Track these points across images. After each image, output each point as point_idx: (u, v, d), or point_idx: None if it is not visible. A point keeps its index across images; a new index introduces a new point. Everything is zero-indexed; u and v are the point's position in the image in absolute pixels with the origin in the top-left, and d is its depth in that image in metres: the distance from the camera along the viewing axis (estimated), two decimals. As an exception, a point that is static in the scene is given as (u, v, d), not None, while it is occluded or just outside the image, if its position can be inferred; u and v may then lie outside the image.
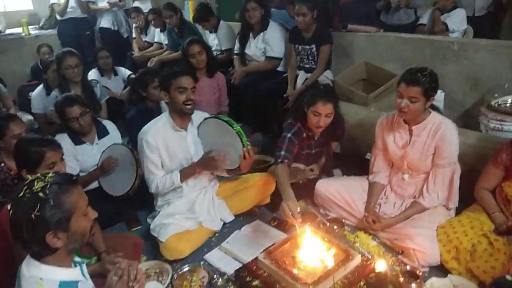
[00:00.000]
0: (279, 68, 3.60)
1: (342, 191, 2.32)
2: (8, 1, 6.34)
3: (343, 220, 2.30)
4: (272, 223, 2.37)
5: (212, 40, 4.24)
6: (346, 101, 3.15)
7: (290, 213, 1.92)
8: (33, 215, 1.10)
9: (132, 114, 2.88)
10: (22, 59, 5.05)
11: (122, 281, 1.30)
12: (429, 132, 2.06)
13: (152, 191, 2.26)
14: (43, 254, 1.17)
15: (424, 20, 3.80)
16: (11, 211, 1.14)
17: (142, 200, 2.51)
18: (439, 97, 2.82)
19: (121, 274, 1.31)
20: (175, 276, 1.99)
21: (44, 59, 4.20)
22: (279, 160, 2.30)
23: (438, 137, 2.03)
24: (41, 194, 1.13)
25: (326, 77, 3.31)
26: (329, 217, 2.32)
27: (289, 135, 2.35)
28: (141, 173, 2.34)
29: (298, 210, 2.01)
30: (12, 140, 2.09)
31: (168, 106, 2.26)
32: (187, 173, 2.22)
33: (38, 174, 1.21)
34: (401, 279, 1.77)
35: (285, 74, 3.46)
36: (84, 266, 1.36)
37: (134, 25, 5.03)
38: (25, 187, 1.14)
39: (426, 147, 2.07)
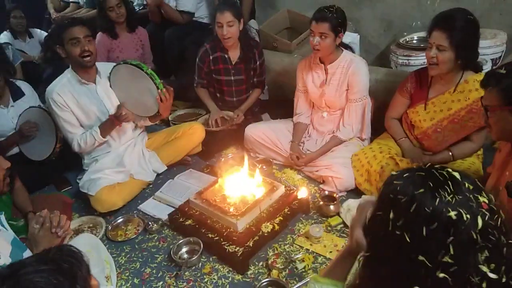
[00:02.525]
0: (205, 20, 3.55)
1: (269, 133, 2.44)
2: None
3: (271, 160, 2.43)
4: (205, 170, 2.45)
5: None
6: (271, 49, 3.23)
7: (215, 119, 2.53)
8: None
9: (49, 73, 2.74)
10: None
11: (45, 228, 1.31)
12: (342, 69, 2.20)
13: (76, 150, 2.21)
14: None
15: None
16: None
17: (70, 160, 2.45)
18: (355, 39, 2.98)
19: (42, 221, 1.32)
20: (110, 227, 2.02)
21: None
22: (195, 85, 2.72)
23: (350, 74, 2.19)
24: None
25: (251, 26, 3.32)
26: (258, 159, 2.44)
27: (197, 60, 2.65)
28: (61, 135, 2.26)
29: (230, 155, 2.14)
30: None
31: (70, 61, 2.16)
32: (106, 127, 2.16)
33: None
34: (321, 203, 1.95)
35: (211, 26, 3.42)
36: (2, 216, 1.34)
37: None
38: None
39: (340, 83, 2.22)
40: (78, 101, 2.14)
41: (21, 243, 1.35)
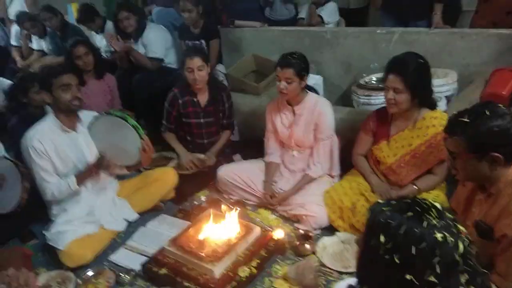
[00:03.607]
0: (174, 65, 3.62)
1: (241, 174, 2.46)
2: None
3: (245, 201, 2.44)
4: (178, 215, 2.41)
5: (100, 40, 4.08)
6: (239, 92, 3.32)
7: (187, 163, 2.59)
8: None
9: (13, 123, 2.65)
10: None
11: (12, 286, 1.25)
12: (308, 110, 2.31)
13: (48, 198, 2.14)
14: None
15: (303, 14, 4.14)
16: None
17: (35, 211, 2.35)
18: (318, 81, 3.14)
19: (9, 281, 1.26)
20: (79, 282, 1.93)
21: None
22: (162, 130, 2.77)
23: (316, 114, 2.29)
24: None
25: (219, 70, 3.43)
26: (231, 200, 2.45)
27: (166, 105, 2.71)
28: (27, 186, 2.18)
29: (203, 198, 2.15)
30: None
31: (52, 108, 2.15)
32: (83, 176, 2.14)
33: None
34: (297, 242, 1.96)
35: (179, 71, 3.49)
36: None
37: (14, 32, 4.57)
38: None
39: (307, 124, 2.31)
40: (58, 149, 2.11)
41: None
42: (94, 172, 2.17)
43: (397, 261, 0.82)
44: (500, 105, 1.34)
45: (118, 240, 2.24)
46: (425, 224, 0.82)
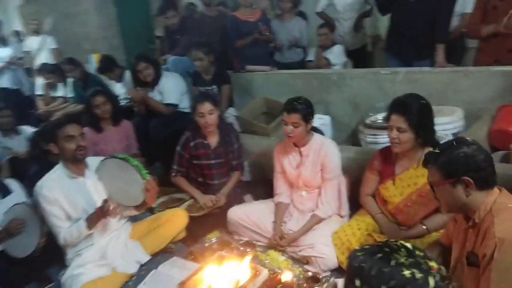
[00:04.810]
0: (187, 110, 3.77)
1: (251, 215, 2.50)
2: None
3: (255, 242, 2.45)
4: (189, 258, 2.44)
5: (119, 89, 4.32)
6: (250, 133, 3.43)
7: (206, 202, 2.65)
8: None
9: (35, 170, 2.81)
10: None
11: None
12: (315, 151, 2.36)
13: (61, 243, 2.22)
14: None
15: (311, 57, 4.30)
16: None
17: (52, 256, 2.42)
18: (326, 121, 3.21)
19: None
20: (92, 326, 1.96)
21: None
22: (173, 174, 2.82)
23: (322, 155, 2.34)
24: None
25: (230, 113, 3.56)
26: (241, 242, 2.47)
27: (178, 148, 2.79)
28: (46, 230, 2.28)
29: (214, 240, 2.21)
30: None
31: (59, 157, 2.27)
32: (93, 220, 2.20)
33: None
34: (305, 285, 1.96)
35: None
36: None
37: (39, 82, 4.90)
38: None
39: (314, 164, 2.36)
40: (67, 196, 2.20)
41: None
42: (101, 216, 2.21)
43: None
44: (468, 139, 1.47)
45: (130, 283, 2.28)
46: (393, 263, 0.87)
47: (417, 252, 0.90)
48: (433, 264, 0.88)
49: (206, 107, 2.60)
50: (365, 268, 0.89)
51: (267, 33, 3.89)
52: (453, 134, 2.60)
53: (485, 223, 1.39)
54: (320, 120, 3.21)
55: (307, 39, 4.47)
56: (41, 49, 5.70)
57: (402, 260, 0.87)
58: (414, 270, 0.85)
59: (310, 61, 4.29)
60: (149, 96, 3.50)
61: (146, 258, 2.38)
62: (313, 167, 2.36)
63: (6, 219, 2.37)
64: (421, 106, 2.01)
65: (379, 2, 3.19)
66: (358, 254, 0.94)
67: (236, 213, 2.54)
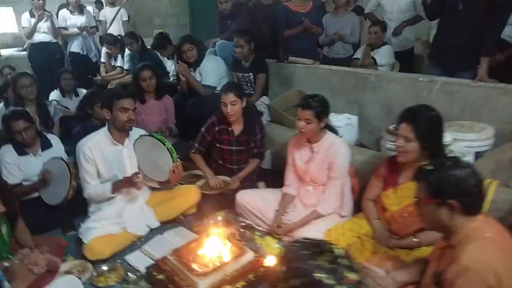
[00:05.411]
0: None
1: (256, 201, 2.62)
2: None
3: (255, 226, 2.58)
4: (194, 229, 2.62)
5: (170, 65, 4.60)
6: (278, 124, 3.52)
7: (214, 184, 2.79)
8: None
9: (77, 130, 3.15)
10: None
11: (23, 264, 1.55)
12: (325, 149, 2.40)
13: (86, 196, 2.51)
14: None
15: (358, 55, 4.23)
16: None
17: (79, 207, 2.74)
18: (352, 121, 3.19)
19: (22, 258, 1.56)
20: (95, 273, 2.23)
21: (6, 79, 4.46)
22: (193, 151, 2.96)
23: (331, 154, 2.37)
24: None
25: (262, 102, 3.66)
26: (243, 224, 2.60)
27: (202, 129, 2.94)
28: (74, 185, 2.59)
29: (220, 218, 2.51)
30: None
31: (108, 123, 2.53)
32: (118, 186, 2.45)
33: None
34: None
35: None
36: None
37: (104, 50, 5.36)
38: None
39: (322, 162, 2.40)
40: (104, 158, 2.48)
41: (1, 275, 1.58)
42: (126, 186, 2.46)
43: None
44: (464, 161, 1.46)
45: (138, 243, 2.52)
46: (312, 263, 0.94)
47: (342, 260, 0.96)
48: (351, 275, 0.93)
49: (229, 97, 2.73)
50: (291, 258, 0.97)
51: (312, 27, 3.88)
52: (478, 153, 2.48)
53: (459, 248, 1.38)
54: (347, 119, 3.20)
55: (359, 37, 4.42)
56: (115, 19, 6.17)
57: (321, 263, 0.94)
58: (326, 275, 0.91)
59: (357, 59, 4.23)
60: (190, 73, 3.70)
61: (156, 224, 2.62)
62: (321, 164, 2.41)
63: (42, 169, 2.72)
64: (431, 117, 1.97)
65: (428, 6, 3.06)
66: (295, 244, 1.02)
67: (244, 196, 2.67)
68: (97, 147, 2.47)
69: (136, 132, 2.62)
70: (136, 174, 2.43)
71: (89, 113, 3.24)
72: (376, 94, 3.37)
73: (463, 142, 2.51)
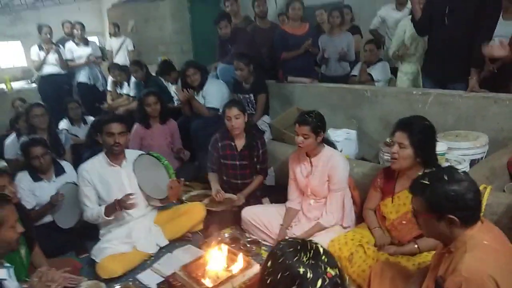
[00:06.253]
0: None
1: (261, 216, 2.71)
2: (3, 58, 7.05)
3: (261, 241, 2.65)
4: (202, 247, 2.70)
5: (174, 91, 4.76)
6: (280, 141, 3.63)
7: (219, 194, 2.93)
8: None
9: (86, 156, 3.27)
10: (4, 112, 5.49)
11: (41, 281, 1.65)
12: (323, 162, 2.50)
13: (85, 219, 2.62)
14: None
15: (356, 71, 4.38)
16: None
17: (91, 231, 2.84)
18: (351, 136, 3.30)
19: (40, 276, 1.66)
20: (108, 292, 2.31)
21: (18, 111, 4.64)
22: (208, 170, 3.13)
23: (329, 167, 2.47)
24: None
25: (264, 121, 3.79)
26: (249, 239, 2.68)
27: (209, 148, 3.07)
28: None
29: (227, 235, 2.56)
30: None
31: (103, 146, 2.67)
32: (110, 209, 2.52)
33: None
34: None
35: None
36: (11, 269, 1.69)
37: (110, 79, 5.57)
38: None
39: (322, 175, 2.50)
40: (102, 180, 2.59)
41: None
42: (117, 208, 2.51)
43: (267, 282, 1.03)
44: (460, 172, 1.45)
45: (148, 262, 2.60)
46: (295, 258, 1.02)
47: (323, 257, 1.04)
48: (331, 271, 1.01)
49: (233, 111, 2.87)
50: (278, 254, 1.06)
51: (310, 49, 4.04)
52: (473, 160, 2.56)
53: (458, 254, 1.40)
54: (345, 134, 3.31)
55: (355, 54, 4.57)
56: (120, 49, 6.42)
57: (304, 259, 1.02)
58: (309, 270, 1.00)
59: (354, 75, 4.37)
60: (194, 98, 3.85)
61: (165, 242, 2.71)
62: (321, 177, 2.50)
63: (55, 194, 2.84)
64: (425, 126, 2.08)
65: (417, 23, 3.21)
66: (282, 242, 1.11)
67: (249, 212, 2.76)
68: (95, 169, 2.59)
69: (133, 153, 2.75)
70: (127, 195, 2.50)
71: (97, 140, 3.37)
72: (374, 109, 3.49)
73: (458, 150, 2.59)
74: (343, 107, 3.71)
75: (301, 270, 1.00)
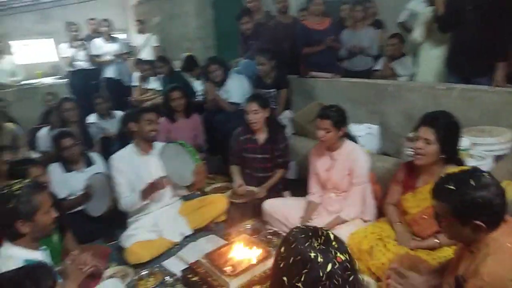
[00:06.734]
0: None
1: (282, 209, 2.76)
2: (35, 54, 7.35)
3: (281, 233, 2.71)
4: (224, 237, 2.79)
5: (197, 86, 4.86)
6: (302, 135, 3.66)
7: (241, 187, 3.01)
8: (9, 206, 1.59)
9: (116, 148, 3.40)
10: (36, 105, 5.73)
11: (74, 264, 1.75)
12: (344, 156, 2.53)
13: (121, 207, 2.74)
14: (15, 237, 1.64)
15: (379, 66, 4.35)
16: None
17: (120, 219, 2.96)
18: (373, 130, 3.30)
19: (73, 259, 1.76)
20: (136, 277, 2.42)
21: (49, 104, 4.84)
22: (230, 163, 3.20)
23: (351, 161, 2.50)
24: (17, 192, 1.62)
25: (285, 116, 3.83)
26: (270, 231, 2.74)
27: (231, 142, 3.15)
28: (113, 197, 2.82)
29: (249, 226, 2.69)
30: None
31: (135, 135, 2.79)
32: (146, 192, 2.66)
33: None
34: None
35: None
36: (47, 252, 1.81)
37: (136, 74, 5.72)
38: (7, 186, 1.64)
39: (343, 169, 2.53)
40: (133, 169, 2.72)
41: (56, 274, 1.78)
42: (153, 189, 2.66)
43: (282, 266, 1.09)
44: (486, 175, 1.41)
45: (173, 250, 2.71)
46: (307, 244, 1.07)
47: (333, 243, 1.09)
48: (341, 256, 1.06)
49: (251, 106, 2.94)
50: (290, 240, 1.11)
51: (332, 44, 4.04)
52: (496, 156, 2.54)
53: (480, 255, 1.40)
54: (367, 129, 3.31)
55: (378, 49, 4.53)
56: (145, 45, 6.58)
57: (315, 244, 1.07)
58: (319, 254, 1.05)
59: (377, 70, 4.34)
60: (217, 93, 3.93)
61: (189, 231, 2.81)
62: (342, 171, 2.53)
63: (86, 183, 2.98)
64: (451, 122, 2.08)
65: (440, 19, 3.16)
66: (295, 229, 1.16)
67: (270, 205, 2.82)
68: (126, 159, 2.73)
69: (159, 144, 2.87)
70: (160, 177, 2.65)
71: (127, 132, 3.49)
72: (396, 104, 3.47)
73: (482, 146, 2.57)
74: (365, 102, 3.71)
75: (312, 254, 1.05)
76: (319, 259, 1.04)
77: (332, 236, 1.12)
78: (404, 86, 3.45)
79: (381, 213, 2.55)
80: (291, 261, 1.07)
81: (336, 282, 1.03)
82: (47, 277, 1.19)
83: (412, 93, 3.36)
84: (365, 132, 3.25)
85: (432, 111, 2.20)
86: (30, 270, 1.20)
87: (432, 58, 3.77)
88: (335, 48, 4.25)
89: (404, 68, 4.12)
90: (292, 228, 1.19)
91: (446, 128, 2.05)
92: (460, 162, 2.11)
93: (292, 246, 1.09)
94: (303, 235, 1.11)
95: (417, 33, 3.70)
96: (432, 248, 2.09)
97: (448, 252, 2.04)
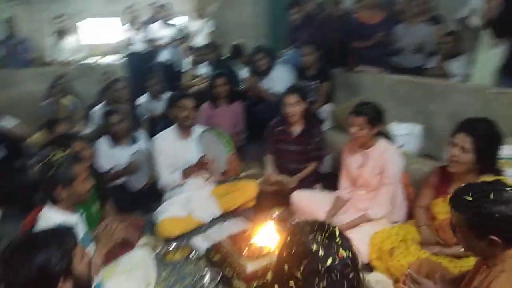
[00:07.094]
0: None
1: (309, 202, 2.79)
2: (99, 35, 7.87)
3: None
4: (251, 223, 2.86)
5: (244, 73, 4.95)
6: (341, 130, 3.62)
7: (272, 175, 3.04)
8: (50, 173, 1.77)
9: (159, 128, 3.59)
10: (93, 84, 6.08)
11: (105, 230, 1.92)
12: (377, 155, 2.48)
13: (160, 185, 2.91)
14: (55, 201, 1.82)
15: (432, 64, 4.15)
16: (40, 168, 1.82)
17: (158, 194, 3.14)
18: (413, 130, 3.19)
19: (106, 225, 1.93)
20: (165, 249, 2.58)
21: (105, 84, 5.14)
22: (265, 153, 3.24)
23: (383, 160, 2.45)
24: (58, 161, 1.80)
25: (325, 109, 3.81)
26: (294, 221, 2.77)
27: (266, 132, 3.19)
28: (152, 173, 3.01)
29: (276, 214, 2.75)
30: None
31: (174, 120, 2.93)
32: (187, 172, 2.83)
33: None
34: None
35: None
36: (83, 216, 1.99)
37: (188, 59, 5.93)
38: (51, 156, 1.83)
39: (374, 167, 2.49)
40: (173, 150, 2.88)
41: (89, 238, 1.97)
42: (196, 169, 2.82)
43: (284, 255, 1.13)
44: (510, 188, 1.35)
45: (202, 229, 2.83)
46: (311, 237, 1.11)
47: (337, 239, 1.11)
48: (343, 252, 1.09)
49: (290, 99, 2.95)
50: (296, 231, 1.16)
51: (381, 39, 3.92)
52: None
53: (495, 271, 1.36)
54: (409, 129, 3.20)
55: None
56: (201, 30, 6.76)
57: (319, 238, 1.11)
58: (321, 248, 1.08)
59: (429, 68, 4.15)
60: (257, 85, 3.98)
61: (218, 213, 2.93)
62: (373, 169, 2.49)
63: (129, 160, 3.18)
64: (491, 132, 1.98)
65: (494, 24, 2.95)
66: (303, 222, 1.21)
67: (298, 196, 2.85)
68: (167, 141, 2.89)
69: (199, 129, 3.01)
70: (202, 157, 2.79)
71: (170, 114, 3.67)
72: (444, 105, 3.31)
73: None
74: (411, 100, 3.57)
75: (314, 247, 1.09)
76: (320, 253, 1.08)
77: (337, 233, 1.14)
78: (453, 87, 3.28)
79: (411, 215, 2.49)
80: (293, 251, 1.11)
81: (334, 277, 1.06)
82: (70, 239, 1.34)
83: (461, 95, 3.18)
84: (406, 132, 3.15)
85: (474, 117, 2.10)
86: (56, 230, 1.35)
87: (490, 57, 3.54)
88: (386, 43, 4.11)
89: (458, 67, 3.90)
90: (301, 220, 1.24)
91: (485, 138, 1.95)
92: (498, 172, 2.01)
93: (297, 237, 1.13)
94: (308, 228, 1.15)
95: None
96: (457, 256, 2.02)
97: (472, 262, 1.95)
